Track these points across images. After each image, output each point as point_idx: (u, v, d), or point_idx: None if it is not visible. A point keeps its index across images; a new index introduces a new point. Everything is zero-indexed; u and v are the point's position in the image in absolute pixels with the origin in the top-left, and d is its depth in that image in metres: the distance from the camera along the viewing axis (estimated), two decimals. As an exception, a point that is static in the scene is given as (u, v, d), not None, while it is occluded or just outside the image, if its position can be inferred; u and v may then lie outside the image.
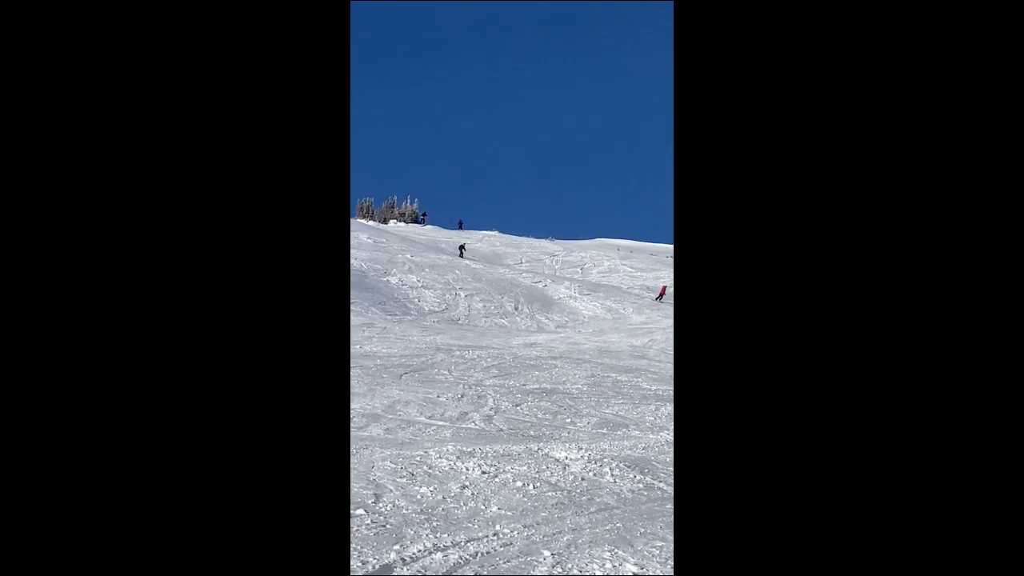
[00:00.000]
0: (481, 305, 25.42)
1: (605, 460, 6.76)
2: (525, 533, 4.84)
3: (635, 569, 4.29)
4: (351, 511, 5.03)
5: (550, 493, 5.78)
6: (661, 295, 30.58)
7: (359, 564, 4.16)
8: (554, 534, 4.85)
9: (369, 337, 16.65)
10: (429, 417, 8.74)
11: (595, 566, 4.31)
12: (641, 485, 6.13)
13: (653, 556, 4.51)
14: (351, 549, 4.36)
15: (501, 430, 8.24)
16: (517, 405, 9.70)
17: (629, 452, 7.22)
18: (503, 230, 55.83)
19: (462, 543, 4.58)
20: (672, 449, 7.53)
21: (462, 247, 40.51)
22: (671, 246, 55.72)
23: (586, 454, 6.94)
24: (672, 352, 16.43)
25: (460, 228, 56.77)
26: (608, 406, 9.90)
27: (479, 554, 4.42)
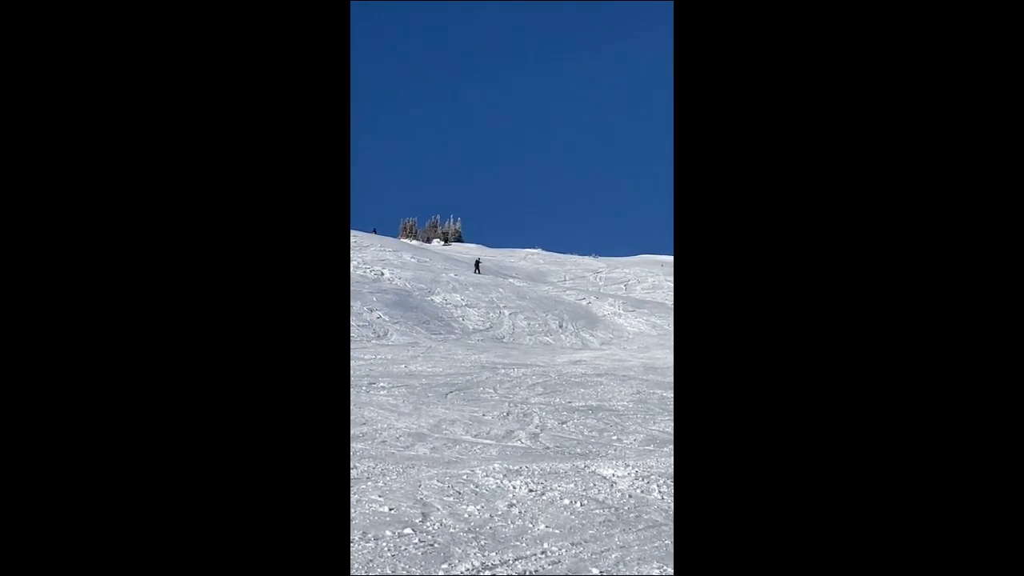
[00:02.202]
0: (525, 323, 25.42)
1: (652, 477, 6.71)
2: (573, 551, 4.82)
3: (685, 587, 4.25)
4: (399, 531, 5.05)
5: (598, 511, 5.75)
6: None
7: (408, 583, 4.18)
8: (603, 551, 4.82)
9: (414, 356, 16.74)
10: (475, 435, 8.75)
11: (644, 584, 4.27)
12: (689, 502, 6.06)
13: (703, 574, 4.46)
14: (399, 569, 4.37)
15: (547, 448, 8.22)
16: (563, 423, 9.67)
17: (677, 469, 7.15)
18: (546, 248, 55.85)
19: (510, 561, 4.57)
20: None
21: (478, 263, 39.50)
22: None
23: (633, 471, 6.89)
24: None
25: (446, 243, 56.39)
26: (655, 423, 9.83)
27: (528, 572, 4.41)
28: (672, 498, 6.13)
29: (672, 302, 33.91)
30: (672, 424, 9.72)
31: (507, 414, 10.18)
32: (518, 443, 8.44)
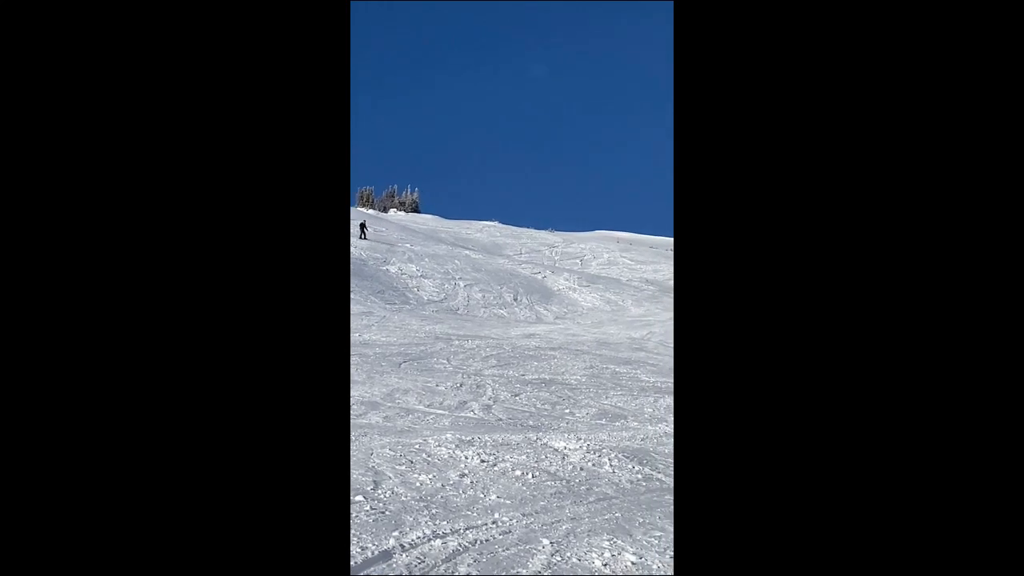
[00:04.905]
0: (480, 295, 25.42)
1: (604, 450, 6.76)
2: (524, 521, 4.85)
3: (634, 558, 4.29)
4: (351, 498, 5.03)
5: (549, 482, 5.78)
6: None
7: (358, 550, 4.16)
8: (553, 523, 4.86)
9: (368, 326, 16.66)
10: (428, 406, 8.75)
11: (594, 555, 4.31)
12: (640, 476, 6.14)
13: (652, 546, 4.52)
14: (350, 535, 4.36)
15: (500, 419, 8.24)
16: (516, 395, 9.71)
17: (628, 443, 7.23)
18: (503, 220, 55.92)
19: (461, 530, 4.59)
20: (671, 440, 7.54)
21: (363, 226, 34.38)
22: (671, 239, 55.89)
23: (585, 444, 6.94)
24: (671, 344, 16.44)
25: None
26: (607, 397, 9.90)
27: (478, 541, 4.42)
28: (623, 472, 6.20)
29: (626, 278, 34.14)
30: (624, 399, 9.81)
31: (460, 385, 10.19)
32: (471, 414, 8.46)
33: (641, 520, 5.01)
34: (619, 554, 4.35)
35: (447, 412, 8.46)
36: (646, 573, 4.16)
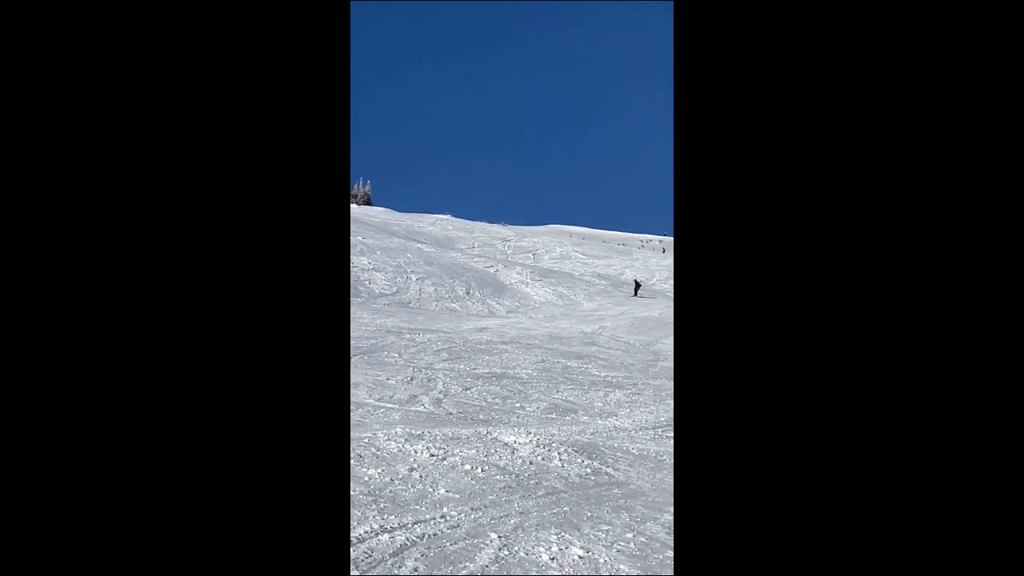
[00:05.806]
0: (432, 289, 25.35)
1: (553, 445, 6.79)
2: (472, 516, 4.85)
3: (581, 552, 4.32)
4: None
5: (498, 477, 5.79)
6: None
7: (305, 545, 4.13)
8: (501, 517, 4.86)
9: (319, 318, 16.51)
10: (378, 399, 8.70)
11: (541, 549, 4.32)
12: (589, 470, 6.17)
13: (599, 539, 4.54)
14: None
15: (450, 413, 8.23)
16: (467, 389, 9.70)
17: (577, 437, 7.26)
18: (456, 214, 55.85)
19: (409, 525, 4.57)
20: (620, 435, 7.59)
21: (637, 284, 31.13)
22: (624, 234, 56.32)
23: (535, 438, 6.96)
24: (622, 339, 16.55)
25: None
26: (557, 391, 9.94)
27: (426, 536, 4.41)
28: (572, 466, 6.23)
29: (579, 272, 34.29)
30: (575, 393, 9.86)
31: (411, 379, 10.15)
32: (421, 408, 8.43)
33: (589, 514, 5.04)
34: (566, 548, 4.36)
35: (397, 406, 8.42)
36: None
